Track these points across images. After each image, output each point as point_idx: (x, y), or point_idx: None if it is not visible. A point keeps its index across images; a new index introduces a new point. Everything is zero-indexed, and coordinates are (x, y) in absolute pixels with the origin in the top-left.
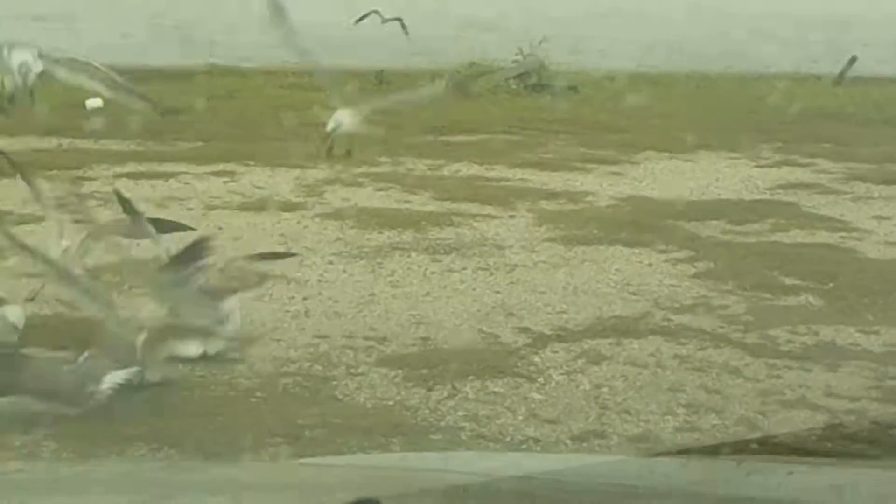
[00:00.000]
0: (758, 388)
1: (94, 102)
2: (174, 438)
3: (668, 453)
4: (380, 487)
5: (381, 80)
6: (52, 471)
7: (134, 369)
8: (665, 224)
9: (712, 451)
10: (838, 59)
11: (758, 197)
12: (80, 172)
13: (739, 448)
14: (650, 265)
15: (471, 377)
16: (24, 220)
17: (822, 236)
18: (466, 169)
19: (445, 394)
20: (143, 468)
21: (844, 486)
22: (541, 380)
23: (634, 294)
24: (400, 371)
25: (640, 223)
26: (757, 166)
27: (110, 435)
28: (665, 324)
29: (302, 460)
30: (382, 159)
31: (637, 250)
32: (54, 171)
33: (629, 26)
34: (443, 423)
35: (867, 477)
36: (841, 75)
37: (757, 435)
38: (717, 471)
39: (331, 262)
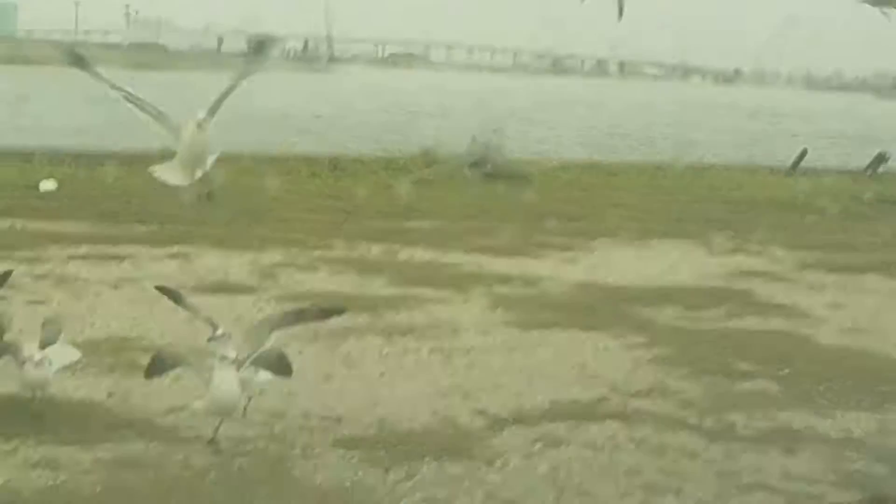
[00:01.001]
0: (715, 470)
1: (47, 184)
2: None
3: None
4: None
5: (335, 167)
6: None
7: None
8: (621, 310)
9: None
10: (789, 152)
11: (713, 284)
12: (34, 253)
13: None
14: (606, 349)
15: (428, 458)
16: None
17: (777, 323)
18: (421, 254)
19: (403, 475)
20: None
21: None
22: (498, 462)
23: (591, 378)
24: (357, 452)
25: (596, 308)
26: (711, 254)
27: None
28: (622, 408)
29: None
30: (337, 243)
31: (593, 335)
32: (8, 252)
33: (582, 116)
34: None
35: None
36: (793, 166)
37: None
38: None
39: (286, 345)
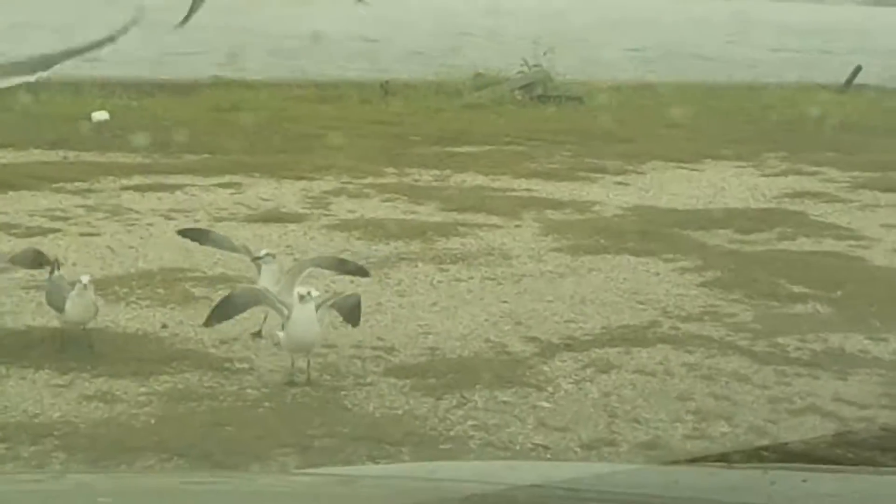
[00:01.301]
0: (767, 395)
1: (100, 115)
2: (182, 449)
3: (684, 462)
4: (394, 498)
5: (386, 91)
6: (60, 482)
7: None
8: (672, 233)
9: (724, 458)
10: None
11: (764, 206)
12: (86, 185)
13: (751, 456)
14: (657, 274)
15: (479, 386)
16: (31, 233)
17: (830, 245)
18: (472, 179)
19: (454, 403)
20: (151, 479)
21: (857, 493)
22: (549, 389)
23: (642, 303)
24: (408, 381)
25: (647, 232)
26: (763, 175)
27: (118, 445)
28: (673, 332)
29: (311, 470)
30: (388, 170)
31: (644, 259)
32: (60, 184)
33: (636, 36)
34: (452, 433)
35: (879, 484)
36: (846, 84)
37: (768, 442)
38: (734, 479)
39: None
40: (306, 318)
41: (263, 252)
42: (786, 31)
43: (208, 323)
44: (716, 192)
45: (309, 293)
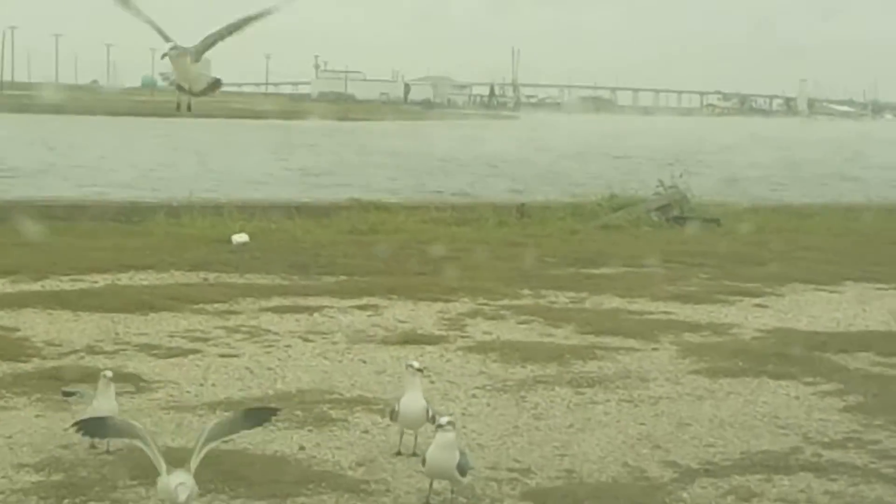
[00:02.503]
0: None
1: (240, 237)
2: None
3: None
4: None
5: (522, 214)
6: None
7: None
8: (812, 356)
9: None
10: None
11: None
12: (226, 306)
13: None
14: (797, 398)
15: None
16: (171, 354)
17: None
18: (609, 302)
19: None
20: None
21: None
22: None
23: (783, 428)
24: None
25: (787, 355)
26: None
27: None
28: (815, 459)
29: None
30: (524, 292)
31: (784, 382)
32: (200, 305)
33: (772, 156)
34: None
35: None
36: None
37: None
38: None
39: (474, 396)
40: (447, 444)
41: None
42: None
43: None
44: (856, 314)
45: (451, 422)
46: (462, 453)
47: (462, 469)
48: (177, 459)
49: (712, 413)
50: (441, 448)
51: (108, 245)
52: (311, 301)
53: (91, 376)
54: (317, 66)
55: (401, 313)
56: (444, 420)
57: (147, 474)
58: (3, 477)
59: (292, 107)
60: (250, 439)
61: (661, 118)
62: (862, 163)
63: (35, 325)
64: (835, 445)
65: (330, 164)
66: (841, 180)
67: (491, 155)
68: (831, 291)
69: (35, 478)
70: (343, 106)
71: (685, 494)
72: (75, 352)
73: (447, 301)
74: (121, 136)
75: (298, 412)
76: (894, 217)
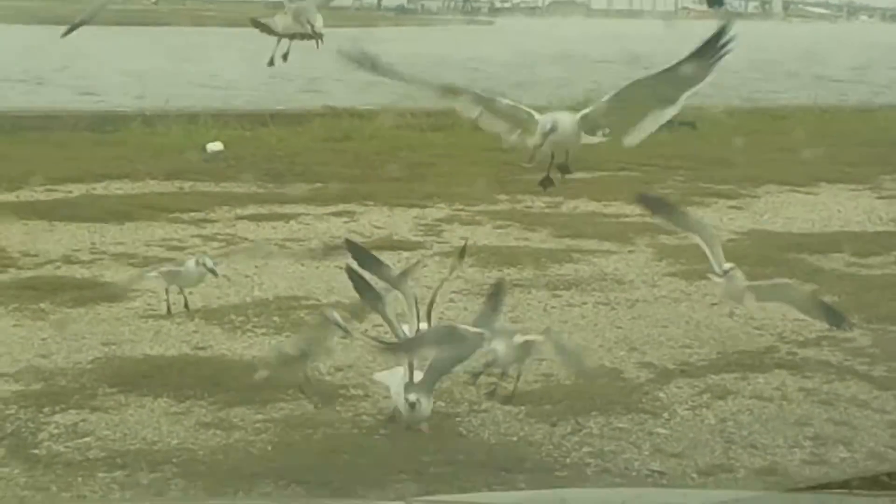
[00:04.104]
0: (887, 420)
1: (214, 146)
2: (300, 476)
3: (805, 489)
4: None
5: None
6: None
7: None
8: (787, 257)
9: (844, 485)
10: None
11: (882, 229)
12: (201, 215)
13: (873, 482)
14: None
15: (594, 413)
16: (147, 262)
17: None
18: (585, 206)
19: (569, 430)
20: None
21: None
22: (665, 415)
23: (758, 329)
24: (523, 407)
25: (762, 257)
26: (879, 198)
27: (236, 472)
28: (790, 357)
29: (428, 497)
30: (500, 197)
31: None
32: (176, 214)
33: (747, 59)
34: (567, 460)
35: None
36: None
37: (889, 468)
38: None
39: (451, 301)
40: None
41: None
42: None
43: None
44: (831, 215)
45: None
46: None
47: None
48: (156, 367)
49: (688, 315)
50: None
51: (82, 155)
52: (287, 209)
53: (65, 286)
54: None
55: (377, 219)
56: None
57: (125, 382)
58: None
59: (266, 14)
60: (228, 346)
61: (637, 22)
62: (837, 64)
63: (10, 235)
64: (809, 344)
65: (302, 70)
66: (816, 81)
67: (466, 60)
68: (806, 193)
69: (14, 387)
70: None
71: (661, 394)
72: (51, 262)
73: (423, 207)
74: (92, 44)
75: (276, 318)
76: (868, 118)
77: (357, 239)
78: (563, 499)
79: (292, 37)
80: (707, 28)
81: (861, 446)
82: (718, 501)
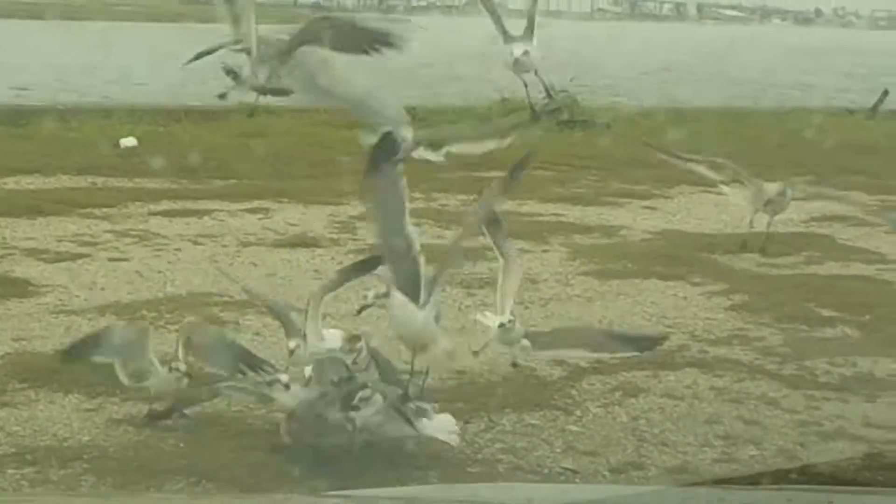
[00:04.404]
0: (796, 419)
1: (128, 141)
2: (211, 472)
3: (708, 483)
4: None
5: (413, 117)
6: None
7: None
8: (699, 257)
9: (752, 481)
10: (871, 95)
11: (792, 230)
12: (114, 210)
13: (779, 478)
14: (685, 298)
15: (507, 410)
16: (59, 258)
17: (858, 268)
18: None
19: (482, 426)
20: (180, 501)
21: None
22: (578, 412)
23: (670, 327)
24: (436, 404)
25: (675, 256)
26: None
27: (147, 469)
28: (701, 356)
29: (341, 492)
30: (414, 195)
31: (672, 283)
32: (89, 209)
33: (663, 60)
34: (480, 456)
35: None
36: (874, 109)
37: (797, 465)
38: (758, 501)
39: (365, 298)
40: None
41: None
42: (811, 54)
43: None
44: (743, 216)
45: None
46: None
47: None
48: (67, 363)
49: (601, 314)
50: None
51: None
52: (201, 205)
53: None
54: None
55: (291, 216)
56: None
57: (36, 377)
58: None
59: (182, 9)
60: None
61: (556, 21)
62: (751, 67)
63: None
64: (720, 343)
65: (217, 67)
66: (729, 84)
67: (380, 58)
68: (719, 193)
69: None
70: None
71: (573, 391)
72: None
73: (338, 205)
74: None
75: (189, 314)
76: (782, 120)
77: (271, 236)
78: (458, 492)
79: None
80: (621, 29)
81: (770, 445)
82: (619, 495)
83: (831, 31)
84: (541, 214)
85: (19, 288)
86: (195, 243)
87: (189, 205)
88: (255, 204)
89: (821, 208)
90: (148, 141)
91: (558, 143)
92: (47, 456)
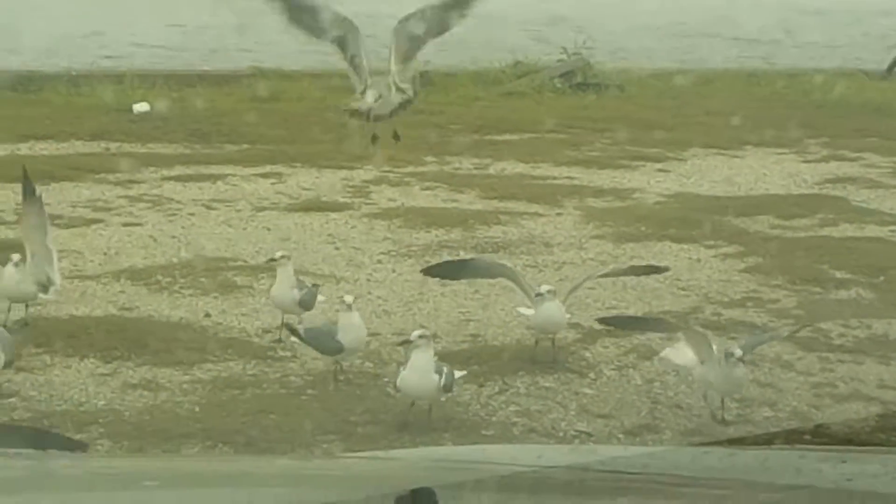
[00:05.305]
0: (810, 381)
1: (141, 107)
2: (227, 436)
3: (721, 443)
4: (434, 479)
5: (424, 82)
6: (107, 467)
7: None
8: (713, 220)
9: (766, 441)
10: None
11: (806, 192)
12: (128, 175)
13: (793, 438)
14: (699, 260)
15: (521, 373)
16: (73, 224)
17: (872, 230)
18: (512, 168)
19: (497, 389)
20: (197, 463)
21: None
22: (592, 375)
23: (684, 289)
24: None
25: (688, 219)
26: (804, 161)
27: (163, 433)
28: (715, 318)
29: (355, 454)
30: (428, 159)
31: (686, 246)
32: (102, 175)
33: (673, 23)
34: (494, 419)
35: None
36: (888, 70)
37: (810, 426)
38: (770, 459)
39: (379, 262)
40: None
41: None
42: (825, 15)
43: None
44: (757, 178)
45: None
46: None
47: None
48: (82, 328)
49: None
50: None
51: (5, 115)
52: (214, 169)
53: None
54: None
55: (305, 181)
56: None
57: (51, 343)
58: None
59: None
60: (155, 307)
61: None
62: (767, 28)
63: None
64: (734, 305)
65: (229, 33)
66: (746, 45)
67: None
68: (732, 156)
69: None
70: None
71: (587, 354)
72: None
73: (351, 169)
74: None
75: (203, 279)
76: (793, 82)
77: (285, 201)
78: (471, 453)
79: None
80: None
81: (785, 406)
82: (632, 455)
83: None
84: (554, 178)
85: None
86: (208, 208)
87: (202, 169)
88: (269, 168)
89: (834, 169)
90: (161, 106)
91: (571, 106)
92: (63, 420)
